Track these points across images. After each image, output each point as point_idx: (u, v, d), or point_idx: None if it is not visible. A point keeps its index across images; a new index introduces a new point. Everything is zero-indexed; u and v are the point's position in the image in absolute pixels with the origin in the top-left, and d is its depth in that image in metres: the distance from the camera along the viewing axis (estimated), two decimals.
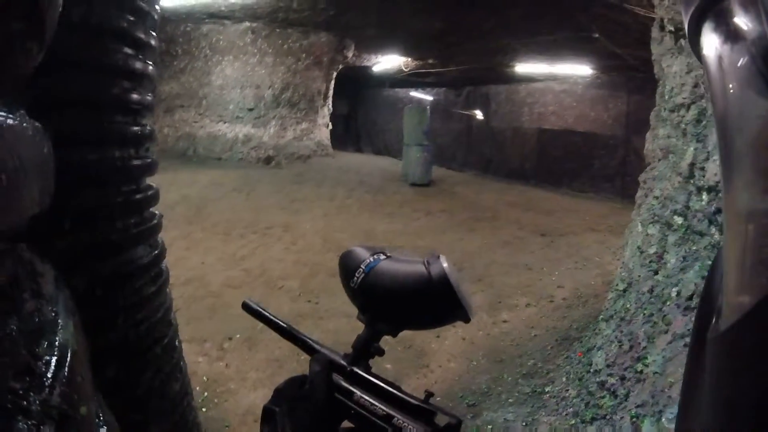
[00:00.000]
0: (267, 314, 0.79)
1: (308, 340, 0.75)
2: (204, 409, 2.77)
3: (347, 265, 0.71)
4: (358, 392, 0.65)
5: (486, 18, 8.17)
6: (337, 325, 3.90)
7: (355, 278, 0.68)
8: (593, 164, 11.77)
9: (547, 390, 2.96)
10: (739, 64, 0.36)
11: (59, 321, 0.49)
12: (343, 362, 0.70)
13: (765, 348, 0.30)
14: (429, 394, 0.64)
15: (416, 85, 16.44)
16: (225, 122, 10.87)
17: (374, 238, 6.06)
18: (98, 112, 1.25)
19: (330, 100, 12.46)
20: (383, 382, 0.66)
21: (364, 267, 0.69)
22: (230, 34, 10.41)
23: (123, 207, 1.34)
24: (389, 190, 9.23)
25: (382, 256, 0.70)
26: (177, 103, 11.09)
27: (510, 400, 2.95)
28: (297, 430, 0.67)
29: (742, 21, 0.34)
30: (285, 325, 0.78)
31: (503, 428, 2.57)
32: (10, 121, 0.35)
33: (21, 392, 0.34)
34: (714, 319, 0.39)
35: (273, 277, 4.90)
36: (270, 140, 10.88)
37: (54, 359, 0.42)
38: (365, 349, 0.71)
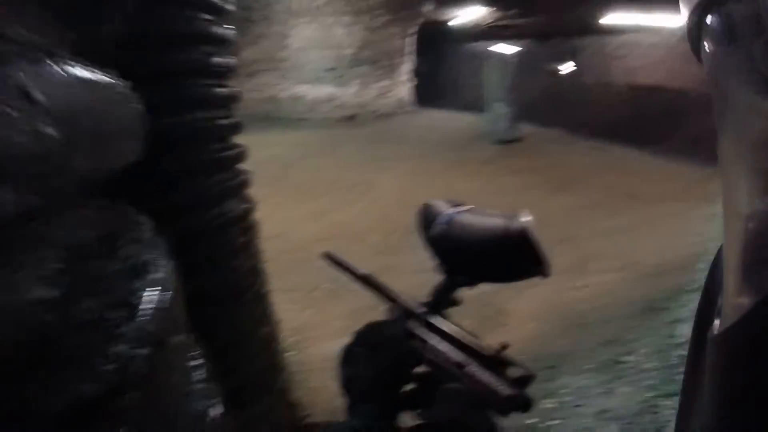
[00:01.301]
0: (347, 264, 0.82)
1: (387, 289, 0.77)
2: (291, 353, 2.97)
3: (426, 217, 0.73)
4: (432, 340, 0.66)
5: None
6: (418, 280, 3.94)
7: (435, 229, 0.70)
8: (688, 124, 10.71)
9: (626, 359, 2.86)
10: (739, 64, 0.36)
11: (158, 262, 0.54)
12: (419, 310, 0.71)
13: (764, 347, 0.31)
14: (503, 346, 0.64)
15: (499, 38, 15.69)
16: (306, 83, 11.07)
17: (456, 196, 5.98)
18: (184, 77, 1.34)
19: (410, 57, 12.26)
20: (458, 332, 0.66)
21: (443, 218, 0.70)
22: None
23: (213, 164, 1.44)
24: (472, 148, 9.04)
25: (462, 208, 0.71)
26: (259, 67, 11.42)
27: (587, 367, 2.89)
28: (374, 373, 0.70)
29: (742, 21, 0.35)
30: (365, 275, 0.81)
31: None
32: (103, 78, 0.39)
33: (117, 321, 0.38)
34: (714, 319, 0.39)
35: (356, 232, 5.05)
36: (351, 99, 10.99)
37: (151, 294, 0.47)
38: (442, 299, 0.72)
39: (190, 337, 0.59)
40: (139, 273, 0.49)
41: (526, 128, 11.22)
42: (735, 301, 0.35)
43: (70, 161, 0.32)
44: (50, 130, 0.28)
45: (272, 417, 1.76)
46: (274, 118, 11.06)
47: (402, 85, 12.06)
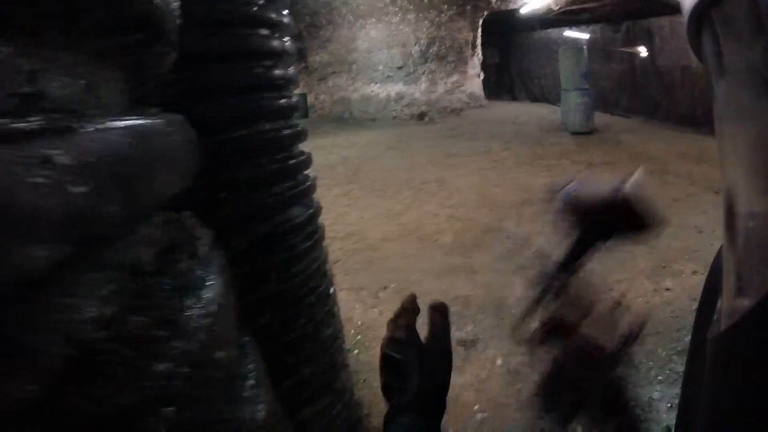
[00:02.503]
0: None
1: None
2: (356, 351, 3.02)
3: (554, 187, 0.78)
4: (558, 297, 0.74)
5: None
6: (489, 280, 3.91)
7: (560, 198, 0.75)
8: None
9: None
10: (739, 65, 0.36)
11: (209, 279, 0.58)
12: (550, 269, 0.77)
13: (764, 348, 0.31)
14: (617, 303, 0.73)
15: (569, 24, 14.95)
16: (376, 83, 11.21)
17: (532, 193, 5.84)
18: (245, 92, 1.41)
19: (479, 50, 12.06)
20: (580, 290, 0.74)
21: (571, 186, 0.76)
22: None
23: (278, 173, 1.51)
24: (547, 141, 8.75)
25: (583, 174, 0.78)
26: (329, 70, 11.69)
27: (660, 378, 2.72)
28: (426, 384, 0.67)
29: (741, 21, 0.34)
30: None
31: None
32: (137, 122, 0.43)
33: (162, 340, 0.42)
34: (714, 319, 0.39)
35: (427, 232, 5.05)
36: (421, 96, 10.99)
37: (198, 312, 0.51)
38: (569, 260, 0.77)
39: (237, 349, 0.62)
40: (189, 291, 0.52)
41: (602, 117, 10.69)
42: (735, 301, 0.36)
43: (101, 208, 0.36)
44: (77, 188, 0.31)
45: (331, 415, 1.81)
46: (347, 118, 11.29)
47: (472, 79, 11.89)
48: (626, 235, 0.78)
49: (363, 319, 3.52)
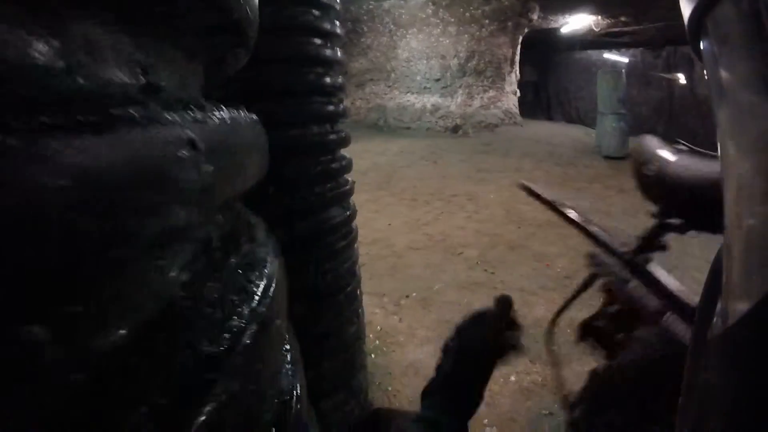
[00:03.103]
0: (545, 197, 0.80)
1: (591, 226, 0.75)
2: (373, 355, 3.05)
3: (643, 152, 0.69)
4: (634, 281, 0.65)
5: None
6: (513, 298, 3.90)
7: (649, 168, 0.67)
8: None
9: None
10: (739, 65, 0.35)
11: (268, 259, 0.65)
12: (623, 250, 0.69)
13: (764, 348, 0.30)
14: None
15: (609, 47, 14.80)
16: (413, 93, 11.29)
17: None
18: (298, 96, 1.50)
19: (517, 67, 12.04)
20: (662, 277, 0.65)
21: (663, 156, 0.66)
22: (411, 7, 10.68)
23: (321, 175, 1.59)
24: (580, 163, 8.68)
25: (684, 148, 0.67)
26: (367, 77, 11.83)
27: None
28: (453, 368, 0.68)
29: (742, 21, 0.33)
30: (566, 208, 0.79)
31: None
32: (234, 114, 0.51)
33: (237, 302, 0.49)
34: (714, 320, 0.38)
35: (453, 244, 5.07)
36: (457, 109, 11.02)
37: (262, 284, 0.58)
38: (650, 242, 0.70)
39: (287, 323, 0.70)
40: (254, 267, 0.60)
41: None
42: (735, 301, 0.35)
43: (218, 188, 0.44)
44: (207, 167, 0.39)
45: (345, 411, 1.87)
46: (381, 126, 11.39)
47: (508, 96, 11.87)
48: (721, 226, 0.71)
49: (383, 324, 3.56)
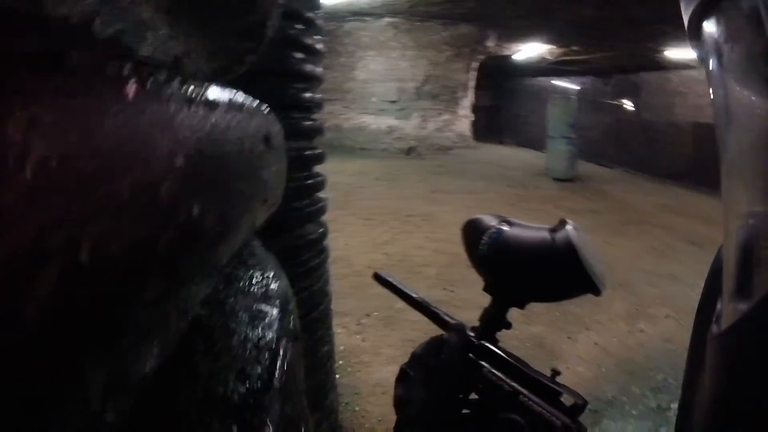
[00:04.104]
0: (398, 285, 0.79)
1: (439, 313, 0.74)
2: (338, 376, 3.02)
3: (472, 234, 0.68)
4: (486, 366, 0.63)
5: (637, 4, 7.52)
6: (473, 315, 3.89)
7: (481, 247, 0.65)
8: None
9: (673, 407, 2.82)
10: (739, 64, 0.35)
11: (276, 274, 0.64)
12: (471, 334, 0.68)
13: (764, 348, 0.30)
14: (555, 373, 0.61)
15: (561, 74, 15.56)
16: (369, 114, 11.40)
17: None
18: (278, 110, 1.48)
19: (471, 92, 12.41)
20: (511, 358, 0.64)
21: (489, 235, 0.65)
22: (372, 30, 10.83)
23: (296, 191, 1.57)
24: (531, 185, 8.98)
25: (507, 225, 0.66)
26: (325, 97, 11.83)
27: (634, 413, 2.85)
28: (430, 396, 0.67)
29: (742, 21, 0.34)
30: (416, 297, 0.77)
31: None
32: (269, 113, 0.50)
33: (264, 315, 0.48)
34: (714, 320, 0.38)
35: (412, 264, 5.10)
36: (412, 131, 11.19)
37: (277, 302, 0.57)
38: (492, 322, 0.68)
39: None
40: (268, 283, 0.59)
41: (586, 167, 11.03)
42: (734, 301, 0.34)
43: (275, 188, 0.43)
44: (276, 166, 0.38)
45: None
46: (336, 146, 11.40)
47: (462, 120, 12.19)
48: (557, 295, 0.70)
49: (346, 344, 3.53)
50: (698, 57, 0.44)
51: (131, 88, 0.25)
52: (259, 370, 0.42)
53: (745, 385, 0.32)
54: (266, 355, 0.44)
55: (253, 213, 0.35)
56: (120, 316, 0.27)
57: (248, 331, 0.45)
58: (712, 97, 0.40)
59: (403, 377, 0.71)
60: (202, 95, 0.32)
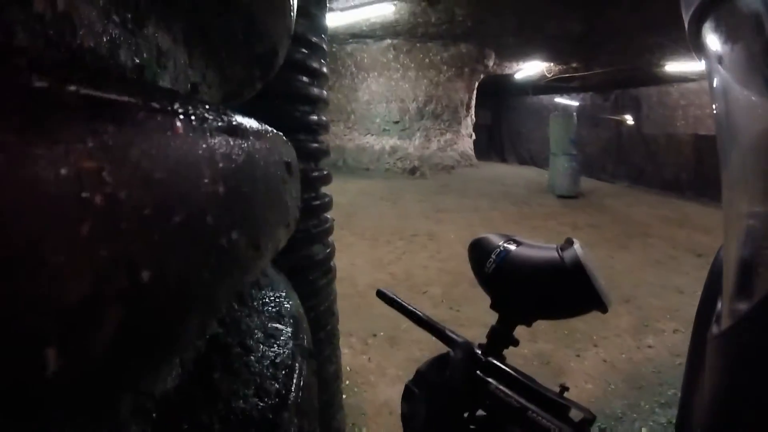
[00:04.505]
0: (401, 302, 0.80)
1: (444, 330, 0.75)
2: (344, 396, 3.01)
3: (479, 253, 0.70)
4: (493, 383, 0.64)
5: (626, 16, 7.62)
6: (478, 334, 3.87)
7: (488, 266, 0.67)
8: None
9: None
10: (739, 64, 0.36)
11: (288, 295, 0.65)
12: (478, 352, 0.69)
13: (763, 348, 0.30)
14: (563, 389, 0.62)
15: (561, 91, 15.70)
16: (372, 135, 11.50)
17: None
18: (285, 133, 1.50)
19: (473, 111, 12.52)
20: (518, 374, 0.64)
21: (496, 254, 0.67)
22: (373, 51, 11.01)
23: (304, 212, 1.58)
24: (534, 202, 9.00)
25: (514, 244, 0.68)
26: (328, 117, 11.97)
27: (643, 429, 2.80)
28: (433, 413, 0.68)
29: (742, 21, 0.34)
30: (420, 314, 0.78)
31: None
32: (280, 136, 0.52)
33: (278, 333, 0.49)
34: (714, 320, 0.39)
35: (417, 283, 5.09)
36: (415, 151, 11.27)
37: (290, 321, 0.58)
38: (499, 339, 0.69)
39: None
40: (281, 304, 0.60)
41: (588, 182, 11.06)
42: (734, 301, 0.34)
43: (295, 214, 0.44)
44: (295, 192, 0.40)
45: None
46: (340, 166, 11.48)
47: (464, 139, 12.28)
48: (564, 312, 0.70)
49: (352, 364, 3.51)
50: (698, 57, 0.44)
51: (180, 124, 0.27)
52: (276, 386, 0.43)
53: (745, 385, 0.32)
54: (283, 372, 0.45)
55: (278, 238, 0.37)
56: (169, 338, 0.28)
57: (264, 349, 0.47)
58: (712, 97, 0.41)
59: (408, 394, 0.71)
60: (236, 125, 0.34)
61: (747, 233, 0.34)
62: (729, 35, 0.36)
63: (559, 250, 0.63)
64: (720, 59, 0.38)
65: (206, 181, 0.28)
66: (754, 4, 0.32)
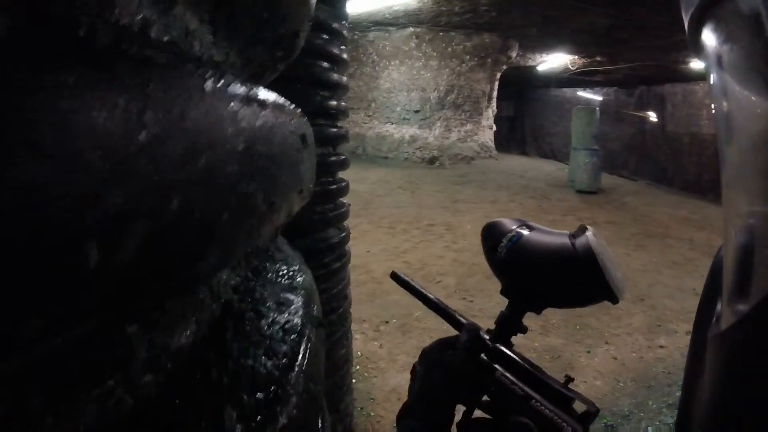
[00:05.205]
0: (414, 285, 0.80)
1: (454, 313, 0.75)
2: (354, 381, 3.05)
3: (491, 237, 0.69)
4: (499, 369, 0.64)
5: (651, 12, 7.46)
6: (490, 325, 3.93)
7: (500, 250, 0.66)
8: None
9: None
10: (739, 64, 0.36)
11: (301, 269, 0.68)
12: (485, 336, 0.68)
13: (763, 347, 0.31)
14: (569, 379, 0.62)
15: (584, 85, 15.42)
16: (392, 123, 11.47)
17: None
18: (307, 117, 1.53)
19: (494, 102, 12.40)
20: (524, 362, 0.64)
21: (508, 239, 0.66)
22: (395, 39, 10.92)
23: (320, 195, 1.61)
24: (554, 197, 8.92)
25: (527, 229, 0.67)
26: (348, 105, 11.96)
27: (650, 429, 2.80)
28: (426, 390, 0.68)
29: (742, 21, 0.34)
30: (432, 297, 0.78)
31: None
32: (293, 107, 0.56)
33: (290, 302, 0.52)
34: (714, 319, 0.39)
35: (432, 272, 5.11)
36: (434, 141, 11.22)
37: (302, 293, 0.60)
38: (508, 326, 0.68)
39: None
40: (293, 278, 0.63)
41: (609, 178, 10.91)
42: (734, 301, 0.35)
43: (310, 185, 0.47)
44: (309, 161, 0.43)
45: None
46: (359, 154, 11.50)
47: (485, 130, 12.18)
48: (574, 301, 0.69)
49: (363, 350, 3.55)
50: (698, 58, 0.43)
51: (211, 84, 0.31)
52: (285, 348, 0.45)
53: (744, 384, 0.32)
54: (292, 337, 0.48)
55: (291, 201, 0.40)
56: (188, 263, 0.32)
57: (276, 315, 0.49)
58: (711, 96, 0.41)
59: (413, 372, 0.72)
60: (257, 95, 0.37)
61: (747, 232, 0.35)
62: (729, 35, 0.36)
63: (572, 237, 0.62)
64: (719, 59, 0.38)
65: (229, 134, 0.31)
66: (754, 5, 0.32)
